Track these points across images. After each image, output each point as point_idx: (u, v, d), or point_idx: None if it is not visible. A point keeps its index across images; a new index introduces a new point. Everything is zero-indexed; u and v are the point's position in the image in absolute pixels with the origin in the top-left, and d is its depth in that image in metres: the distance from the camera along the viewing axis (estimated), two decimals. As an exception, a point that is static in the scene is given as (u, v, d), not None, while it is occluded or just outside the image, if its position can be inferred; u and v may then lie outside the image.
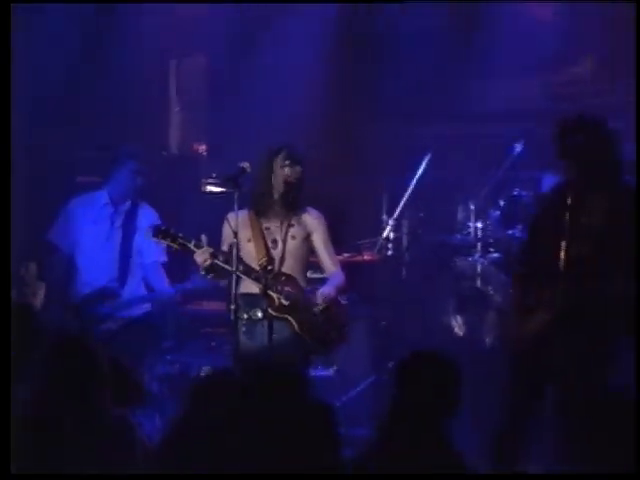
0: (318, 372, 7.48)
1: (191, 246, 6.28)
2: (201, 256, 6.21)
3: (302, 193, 6.53)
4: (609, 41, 9.06)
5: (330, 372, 7.83)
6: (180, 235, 6.31)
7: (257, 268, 6.31)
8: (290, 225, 6.47)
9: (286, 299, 6.28)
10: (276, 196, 6.46)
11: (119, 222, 7.66)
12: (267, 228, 6.47)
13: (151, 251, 7.57)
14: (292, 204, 6.49)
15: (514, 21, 9.11)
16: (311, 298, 6.38)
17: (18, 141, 8.45)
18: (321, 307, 6.28)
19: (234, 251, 6.13)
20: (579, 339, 5.47)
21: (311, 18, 9.20)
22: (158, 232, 6.40)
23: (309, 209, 6.58)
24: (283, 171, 6.43)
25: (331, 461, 4.14)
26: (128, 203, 7.65)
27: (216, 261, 6.21)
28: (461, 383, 4.36)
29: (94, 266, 7.60)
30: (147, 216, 7.66)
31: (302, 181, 6.50)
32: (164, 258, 7.61)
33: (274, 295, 6.27)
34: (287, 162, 6.44)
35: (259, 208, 6.45)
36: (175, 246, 6.34)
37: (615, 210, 5.51)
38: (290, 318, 6.30)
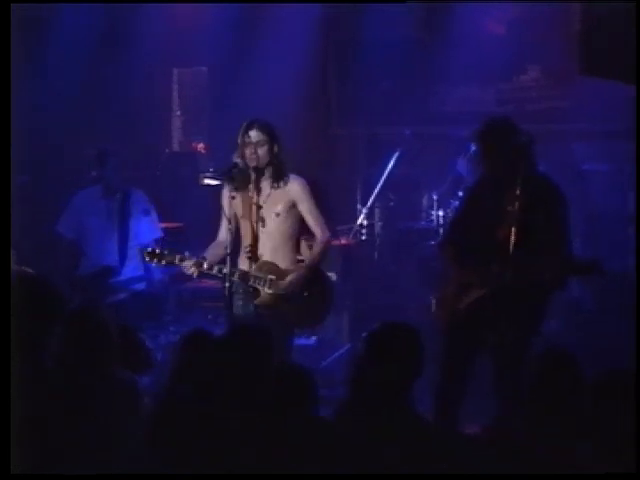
0: (302, 341, 7.51)
1: (176, 262, 6.11)
2: (187, 270, 6.06)
3: (281, 168, 6.10)
4: (552, 53, 9.11)
5: (312, 341, 7.86)
6: (165, 254, 6.13)
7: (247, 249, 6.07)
8: (271, 203, 6.09)
9: (269, 288, 6.06)
10: (251, 172, 6.09)
11: (115, 211, 7.67)
12: (255, 204, 6.11)
13: (146, 232, 7.62)
14: (270, 179, 6.11)
15: (471, 35, 9.16)
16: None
17: (40, 141, 8.58)
18: (284, 291, 6.03)
19: (228, 237, 5.99)
20: (508, 312, 5.52)
21: (298, 28, 9.24)
22: (147, 255, 6.21)
23: (292, 178, 6.16)
24: (247, 148, 6.04)
25: (309, 415, 4.16)
26: (120, 194, 7.68)
27: (201, 269, 6.03)
28: (423, 350, 4.35)
29: (97, 252, 7.61)
30: (139, 202, 7.69)
31: (272, 157, 6.06)
32: (159, 234, 7.70)
33: (259, 287, 6.05)
34: (247, 140, 6.05)
35: (239, 184, 6.11)
36: (163, 263, 6.18)
37: (536, 200, 5.58)
38: (275, 306, 6.06)
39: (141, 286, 7.64)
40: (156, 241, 7.58)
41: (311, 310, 6.24)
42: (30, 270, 7.08)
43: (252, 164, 6.07)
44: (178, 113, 9.79)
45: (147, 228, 7.63)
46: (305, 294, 6.16)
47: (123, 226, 7.64)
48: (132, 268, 7.60)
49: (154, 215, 7.71)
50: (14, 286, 4.21)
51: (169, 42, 9.30)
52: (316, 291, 6.21)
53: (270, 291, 6.09)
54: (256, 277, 6.06)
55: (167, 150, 9.80)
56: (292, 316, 6.15)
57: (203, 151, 9.74)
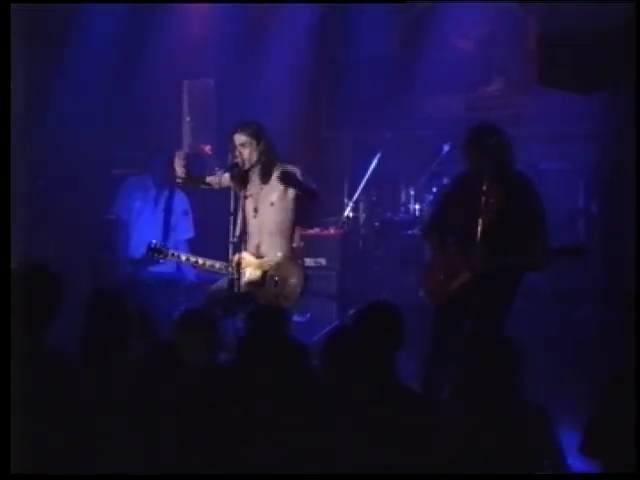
0: (296, 318, 7.49)
1: (169, 255, 6.19)
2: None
3: (268, 165, 5.96)
4: (513, 67, 9.14)
5: (306, 318, 7.86)
6: (164, 250, 6.20)
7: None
8: (266, 194, 5.98)
9: (243, 279, 5.93)
10: (245, 168, 5.98)
11: (161, 204, 7.70)
12: (251, 195, 6.02)
13: (182, 230, 7.65)
14: (260, 175, 6.00)
15: (444, 51, 9.18)
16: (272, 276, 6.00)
17: (67, 144, 8.55)
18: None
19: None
20: (489, 292, 5.55)
21: (294, 45, 9.23)
22: (151, 250, 6.25)
23: (287, 167, 6.02)
24: (235, 150, 6.00)
25: (303, 382, 4.13)
26: (167, 189, 7.69)
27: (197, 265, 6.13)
28: (403, 326, 4.40)
29: (141, 235, 7.64)
30: (181, 202, 7.74)
31: (260, 156, 5.95)
32: (191, 234, 7.72)
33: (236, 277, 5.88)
34: (233, 143, 6.01)
35: (239, 181, 6.00)
36: (162, 257, 6.22)
37: (513, 195, 5.60)
38: (252, 290, 5.96)
39: (169, 278, 7.65)
40: (188, 241, 7.60)
41: (282, 294, 5.99)
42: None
43: (241, 164, 5.99)
44: (188, 119, 9.78)
45: (184, 228, 7.69)
46: (276, 279, 5.98)
47: (165, 221, 7.65)
48: (167, 264, 7.53)
49: (191, 217, 7.74)
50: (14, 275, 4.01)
51: (181, 56, 9.30)
52: (288, 277, 5.99)
53: (246, 280, 5.94)
54: (231, 268, 5.90)
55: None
56: (266, 298, 5.97)
57: (209, 152, 9.72)
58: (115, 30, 8.74)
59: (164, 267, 7.50)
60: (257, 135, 6.01)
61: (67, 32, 8.53)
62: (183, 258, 6.22)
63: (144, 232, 7.59)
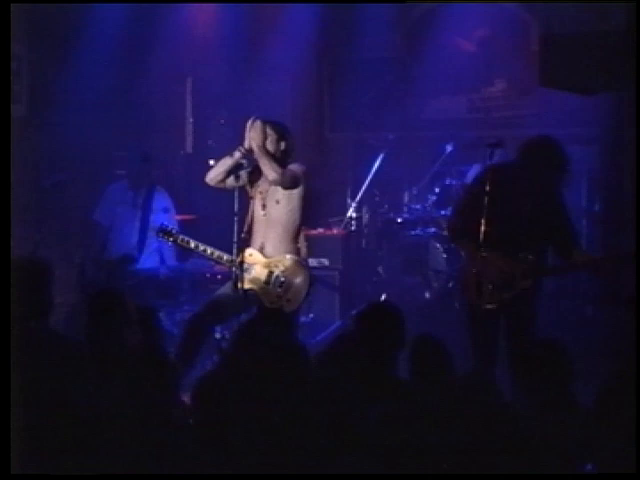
0: (300, 318, 7.43)
1: (179, 242, 6.11)
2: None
3: (280, 163, 5.76)
4: (516, 68, 9.13)
5: (309, 318, 7.82)
6: (174, 233, 6.14)
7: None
8: (272, 192, 5.82)
9: (249, 275, 5.78)
10: (253, 166, 5.83)
11: (139, 203, 7.65)
12: (261, 192, 5.87)
13: None
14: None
15: (446, 53, 9.16)
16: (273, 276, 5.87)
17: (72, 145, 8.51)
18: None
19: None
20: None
21: (297, 49, 9.20)
22: (160, 232, 6.21)
23: (292, 165, 5.82)
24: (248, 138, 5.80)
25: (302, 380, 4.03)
26: (144, 189, 7.64)
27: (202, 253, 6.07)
28: (405, 326, 4.36)
29: (120, 237, 7.61)
30: (161, 199, 7.67)
31: (275, 151, 5.79)
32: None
33: (243, 274, 5.75)
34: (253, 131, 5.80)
35: (245, 180, 5.88)
36: (171, 240, 6.14)
37: (551, 201, 5.58)
38: (255, 290, 5.84)
39: (156, 275, 7.60)
40: None
41: (286, 296, 5.86)
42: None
43: (246, 165, 5.87)
44: (191, 120, 9.74)
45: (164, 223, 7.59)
46: (282, 280, 5.86)
47: (144, 219, 7.61)
48: (150, 260, 7.56)
49: (172, 212, 7.70)
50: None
51: (183, 57, 9.27)
52: (294, 280, 5.86)
53: (251, 277, 5.84)
54: (239, 263, 5.75)
55: (182, 152, 9.77)
56: (269, 299, 5.87)
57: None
58: (117, 31, 8.70)
59: (149, 271, 7.47)
60: (282, 133, 5.87)
61: (68, 33, 8.48)
62: (192, 245, 6.15)
63: (124, 232, 7.58)
